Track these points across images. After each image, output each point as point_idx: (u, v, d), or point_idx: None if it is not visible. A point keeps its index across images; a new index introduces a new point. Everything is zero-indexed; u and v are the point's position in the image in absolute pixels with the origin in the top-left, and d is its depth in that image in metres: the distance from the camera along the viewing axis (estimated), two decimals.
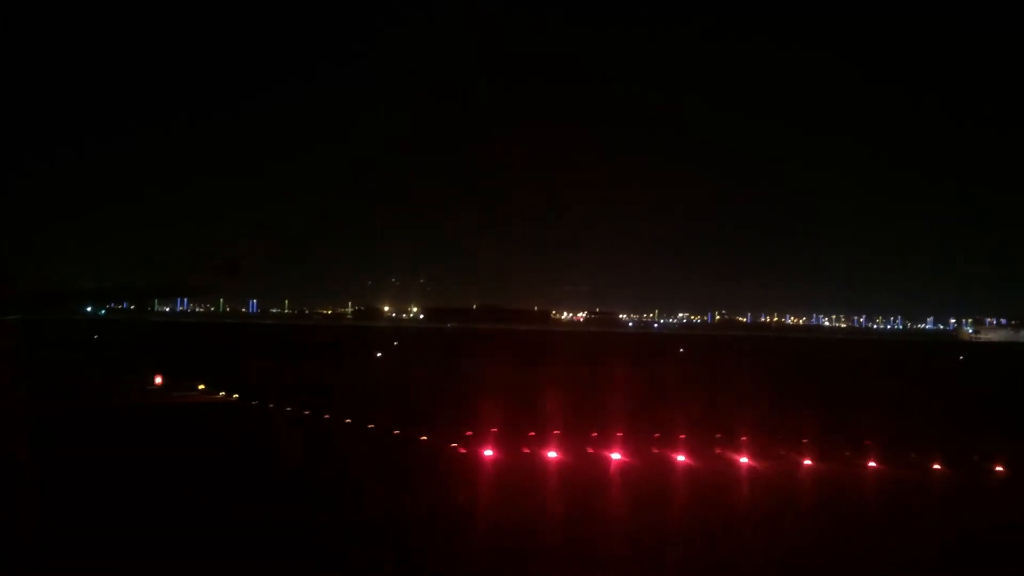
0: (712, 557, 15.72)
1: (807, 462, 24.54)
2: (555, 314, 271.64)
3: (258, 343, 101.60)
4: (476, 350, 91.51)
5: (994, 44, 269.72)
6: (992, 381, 69.45)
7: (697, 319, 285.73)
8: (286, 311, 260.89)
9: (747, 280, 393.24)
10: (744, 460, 24.70)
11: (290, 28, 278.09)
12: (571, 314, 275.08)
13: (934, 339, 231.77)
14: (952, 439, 29.16)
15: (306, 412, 33.29)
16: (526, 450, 25.39)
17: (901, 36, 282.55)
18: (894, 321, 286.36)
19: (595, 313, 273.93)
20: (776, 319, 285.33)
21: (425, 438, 27.06)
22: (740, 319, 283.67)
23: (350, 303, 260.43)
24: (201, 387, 40.30)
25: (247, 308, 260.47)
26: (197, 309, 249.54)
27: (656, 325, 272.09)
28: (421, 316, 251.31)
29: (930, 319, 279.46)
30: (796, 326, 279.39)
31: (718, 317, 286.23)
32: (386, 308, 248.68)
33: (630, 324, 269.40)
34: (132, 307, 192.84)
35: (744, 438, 27.20)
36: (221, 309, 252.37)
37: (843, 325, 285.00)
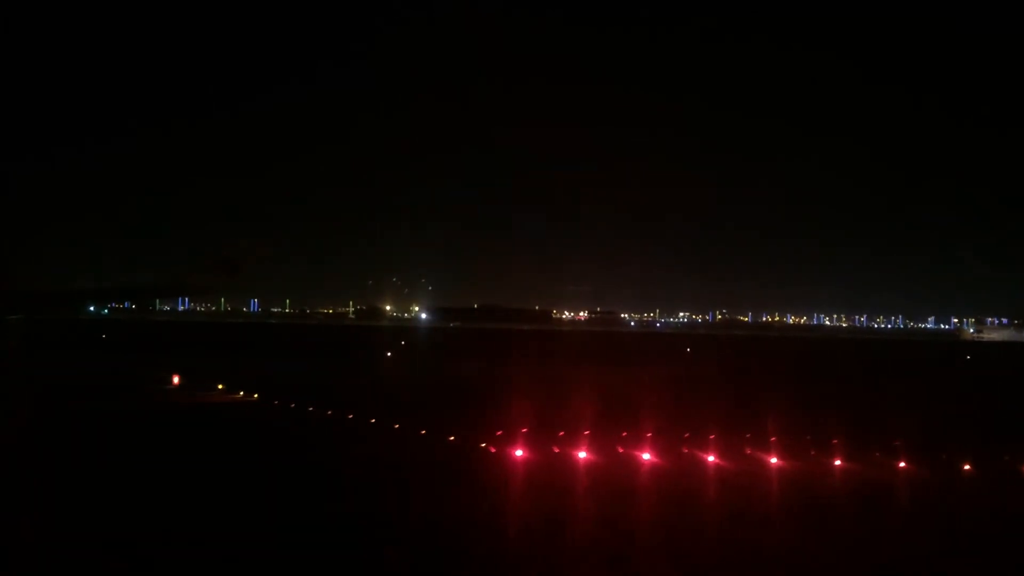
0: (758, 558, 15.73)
1: (837, 462, 24.55)
2: (556, 314, 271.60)
3: (265, 342, 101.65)
4: (486, 349, 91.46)
5: (994, 44, 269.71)
6: (1013, 381, 69.19)
7: (698, 319, 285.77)
8: (287, 311, 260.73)
9: (747, 280, 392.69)
10: (774, 460, 24.70)
11: (290, 28, 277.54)
12: (572, 314, 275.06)
13: (937, 339, 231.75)
14: (993, 439, 29.11)
15: (329, 412, 33.29)
16: (556, 449, 25.38)
17: (901, 36, 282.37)
18: (895, 320, 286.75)
19: (596, 313, 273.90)
20: (777, 319, 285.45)
21: (453, 438, 27.03)
22: (741, 319, 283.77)
23: (351, 303, 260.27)
24: (221, 387, 40.28)
25: (248, 308, 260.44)
26: (198, 309, 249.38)
27: (658, 325, 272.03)
28: (423, 316, 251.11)
29: (931, 319, 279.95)
30: (798, 325, 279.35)
31: (719, 317, 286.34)
32: (388, 307, 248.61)
33: (632, 324, 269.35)
34: (133, 307, 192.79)
35: (773, 439, 27.16)
36: (222, 308, 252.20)
37: (844, 324, 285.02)
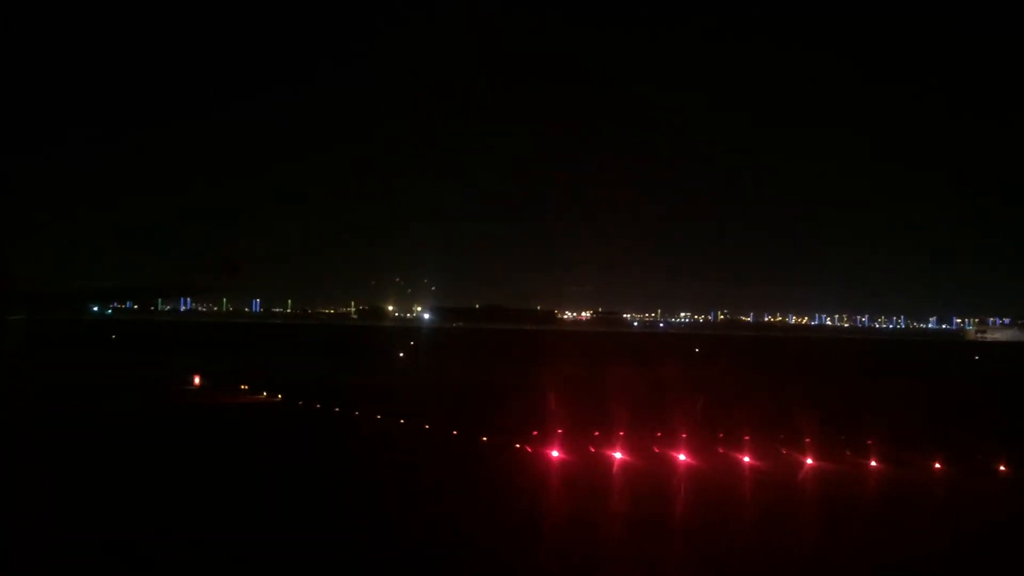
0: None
1: (872, 463, 24.56)
2: (558, 313, 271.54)
3: (273, 343, 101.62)
4: (494, 349, 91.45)
5: (995, 44, 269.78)
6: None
7: (700, 319, 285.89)
8: (288, 310, 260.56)
9: (748, 280, 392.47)
10: (810, 461, 24.69)
11: (290, 28, 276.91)
12: (574, 314, 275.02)
13: (941, 339, 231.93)
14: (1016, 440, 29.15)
15: (356, 412, 33.26)
16: (592, 449, 25.37)
17: (901, 36, 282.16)
18: (896, 321, 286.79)
19: (598, 313, 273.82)
20: (779, 319, 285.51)
21: (486, 439, 26.99)
22: (743, 319, 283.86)
23: (353, 303, 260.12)
24: (244, 387, 40.23)
25: (250, 307, 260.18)
26: (200, 308, 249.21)
27: (661, 325, 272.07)
28: (426, 316, 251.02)
29: (933, 319, 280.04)
30: (800, 325, 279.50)
31: (721, 317, 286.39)
32: (390, 308, 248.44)
33: (635, 324, 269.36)
34: (136, 306, 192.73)
35: (808, 439, 27.12)
36: (224, 309, 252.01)
37: (846, 324, 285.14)
